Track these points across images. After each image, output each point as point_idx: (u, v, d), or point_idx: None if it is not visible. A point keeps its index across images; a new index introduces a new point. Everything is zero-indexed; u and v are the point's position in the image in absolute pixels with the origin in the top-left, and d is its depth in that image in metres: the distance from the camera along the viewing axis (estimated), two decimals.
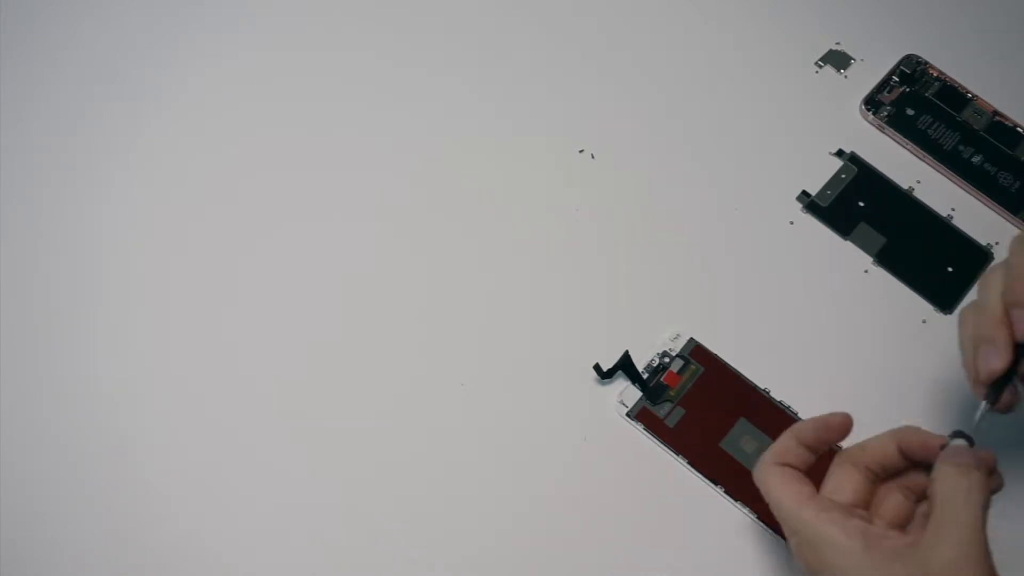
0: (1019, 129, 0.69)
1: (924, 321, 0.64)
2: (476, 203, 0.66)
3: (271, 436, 0.59)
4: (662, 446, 0.59)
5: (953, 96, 0.70)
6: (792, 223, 0.66)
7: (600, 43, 0.71)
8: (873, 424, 0.52)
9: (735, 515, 0.58)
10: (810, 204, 0.66)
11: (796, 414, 0.60)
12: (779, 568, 0.57)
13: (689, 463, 0.58)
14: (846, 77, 0.71)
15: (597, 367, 0.60)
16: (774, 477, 0.50)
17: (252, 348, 0.61)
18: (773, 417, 0.60)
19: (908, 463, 0.50)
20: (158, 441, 0.59)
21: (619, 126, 0.69)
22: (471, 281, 0.64)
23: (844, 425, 0.51)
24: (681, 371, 0.60)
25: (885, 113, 0.69)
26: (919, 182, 0.68)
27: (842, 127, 0.69)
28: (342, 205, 0.66)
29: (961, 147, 0.68)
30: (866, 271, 0.65)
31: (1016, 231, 0.66)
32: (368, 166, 0.67)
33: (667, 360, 0.61)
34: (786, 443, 0.51)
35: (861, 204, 0.67)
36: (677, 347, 0.61)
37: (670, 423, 0.59)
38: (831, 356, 0.62)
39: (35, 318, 0.62)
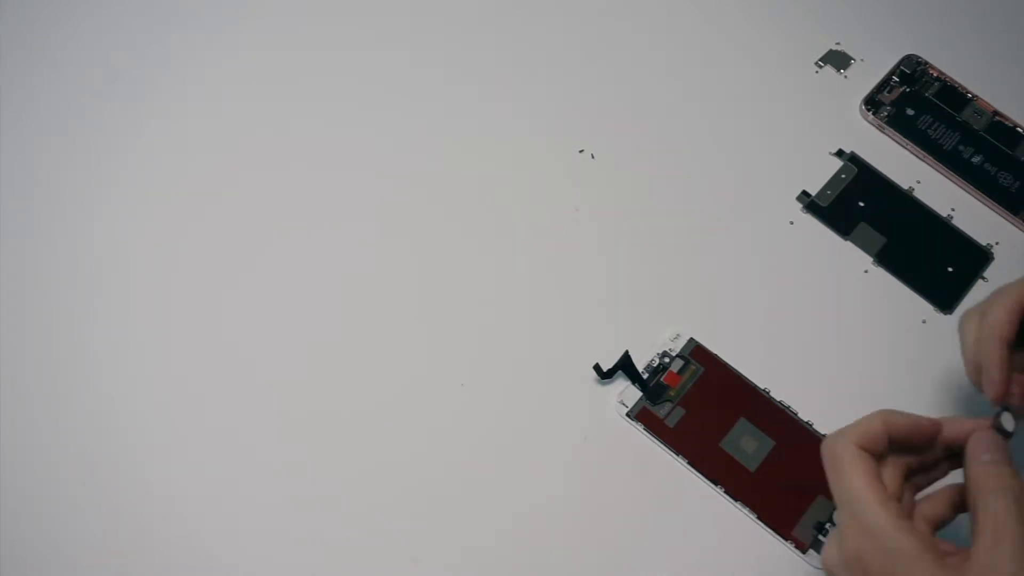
0: (1019, 129, 0.69)
1: (924, 321, 0.64)
2: (476, 203, 0.66)
3: (270, 436, 0.59)
4: (662, 446, 0.59)
5: (953, 96, 0.70)
6: (792, 223, 0.66)
7: (600, 43, 0.71)
8: None
9: (735, 515, 0.58)
10: (810, 204, 0.66)
11: (796, 414, 0.60)
12: (778, 569, 0.57)
13: (689, 463, 0.58)
14: (846, 77, 0.71)
15: (597, 367, 0.60)
16: (857, 463, 0.46)
17: (252, 348, 0.61)
18: (773, 417, 0.59)
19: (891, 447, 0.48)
20: (157, 441, 0.59)
21: (619, 126, 0.69)
22: (471, 281, 0.64)
23: (931, 434, 0.48)
24: (681, 371, 0.60)
25: (885, 113, 0.69)
26: (919, 182, 0.68)
27: (842, 127, 0.69)
28: (342, 205, 0.65)
29: (961, 147, 0.68)
30: (866, 271, 0.65)
31: (1017, 231, 0.66)
32: (368, 166, 0.67)
33: (667, 360, 0.61)
34: (873, 427, 0.47)
35: (861, 204, 0.67)
36: (677, 347, 0.61)
37: (670, 423, 0.59)
38: (831, 356, 0.62)
39: (34, 319, 0.61)
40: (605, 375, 0.60)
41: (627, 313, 0.63)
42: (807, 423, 0.59)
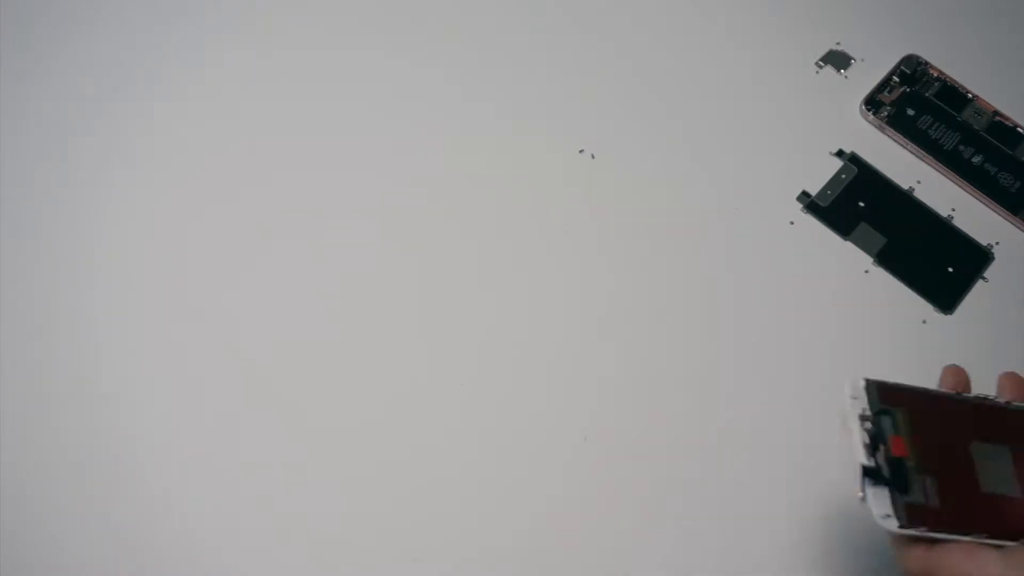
0: (1019, 129, 0.69)
1: (924, 321, 0.64)
2: (475, 202, 0.66)
3: (270, 436, 0.59)
4: (950, 537, 0.43)
5: (953, 96, 0.70)
6: (792, 223, 0.66)
7: (600, 43, 0.71)
8: None
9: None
10: (810, 204, 0.66)
11: (996, 399, 0.49)
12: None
13: (988, 535, 0.44)
14: (846, 77, 0.71)
15: (862, 496, 0.44)
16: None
17: (252, 348, 0.61)
18: (988, 417, 0.47)
19: None
20: (157, 442, 0.59)
21: (619, 126, 0.69)
22: (471, 280, 0.64)
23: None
24: (896, 429, 0.45)
25: (885, 113, 0.69)
26: (919, 182, 0.68)
27: (842, 127, 0.69)
28: (342, 206, 0.65)
29: (961, 147, 0.68)
30: (866, 271, 0.65)
31: (1017, 231, 0.66)
32: (367, 167, 0.67)
33: (869, 424, 0.45)
34: None
35: (861, 204, 0.67)
36: (861, 396, 0.45)
37: (933, 503, 0.44)
38: (831, 356, 0.62)
39: (32, 319, 0.61)
40: (864, 497, 0.43)
41: (627, 313, 0.63)
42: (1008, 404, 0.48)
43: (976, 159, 0.68)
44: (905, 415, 0.45)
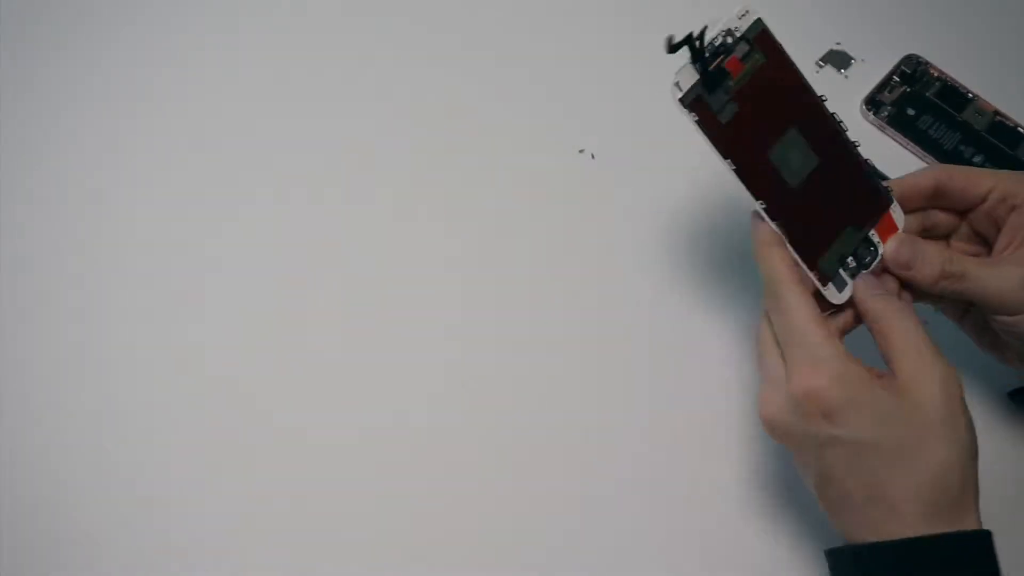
0: (1020, 129, 0.69)
1: (925, 322, 0.63)
2: (476, 203, 0.66)
3: (270, 436, 0.59)
4: (710, 144, 0.50)
5: (954, 96, 0.70)
6: None
7: (600, 43, 0.71)
8: None
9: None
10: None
11: (847, 131, 0.54)
12: None
13: (736, 169, 0.50)
14: (846, 77, 0.71)
15: (669, 39, 0.49)
16: (804, 301, 0.49)
17: (252, 347, 0.61)
18: (822, 131, 0.53)
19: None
20: (157, 442, 0.59)
21: (619, 126, 0.69)
22: (472, 280, 0.64)
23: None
24: (744, 58, 0.51)
25: (886, 113, 0.69)
26: None
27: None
28: (342, 206, 0.65)
29: (962, 147, 0.68)
30: None
31: None
32: (367, 167, 0.67)
33: (730, 41, 0.51)
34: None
35: None
36: (744, 26, 0.51)
37: (723, 118, 0.50)
38: None
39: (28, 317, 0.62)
40: (673, 47, 0.49)
41: (627, 314, 0.63)
42: (855, 144, 0.54)
43: (977, 159, 0.68)
44: (760, 59, 0.51)
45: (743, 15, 0.51)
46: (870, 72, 0.71)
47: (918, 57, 0.71)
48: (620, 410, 0.60)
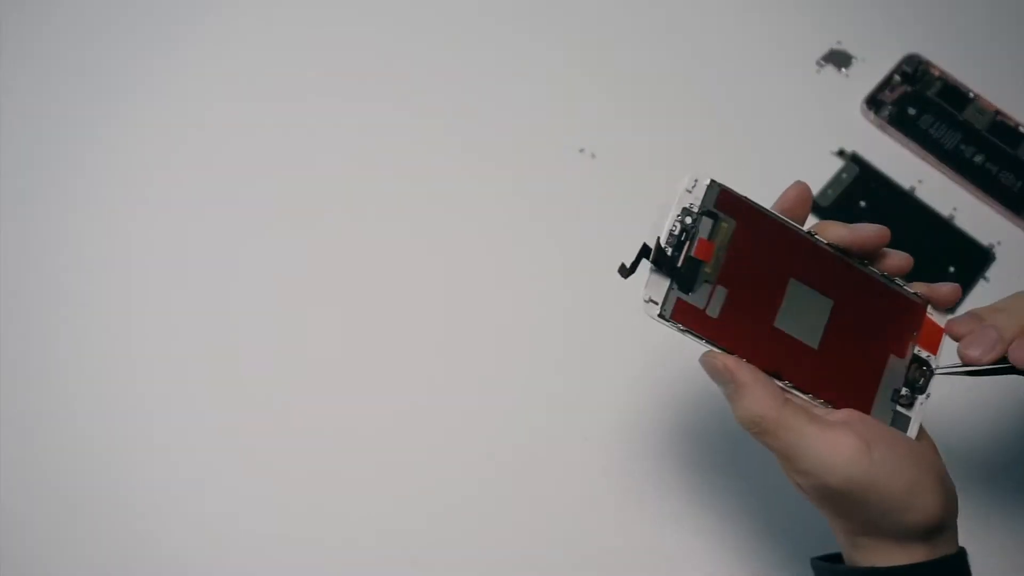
0: (1021, 129, 0.69)
1: None
2: (476, 203, 0.66)
3: (270, 437, 0.59)
4: (706, 345, 0.44)
5: (955, 95, 0.70)
6: None
7: (600, 43, 0.71)
8: None
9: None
10: (812, 204, 0.66)
11: (847, 255, 0.47)
12: None
13: (748, 360, 0.44)
14: (847, 76, 0.71)
15: (621, 267, 0.44)
16: (761, 384, 0.44)
17: (253, 347, 0.61)
18: (826, 266, 0.46)
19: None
20: (157, 443, 0.59)
21: (619, 126, 0.68)
22: (471, 281, 0.64)
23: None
24: (712, 234, 0.44)
25: (886, 112, 0.69)
26: (920, 182, 0.68)
27: (843, 127, 0.69)
28: (342, 207, 0.65)
29: (963, 147, 0.68)
30: None
31: (1018, 231, 0.66)
32: (367, 167, 0.67)
33: (690, 221, 0.44)
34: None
35: (863, 204, 0.67)
36: (699, 197, 0.45)
37: (712, 312, 0.44)
38: None
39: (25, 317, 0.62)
40: (628, 270, 0.44)
41: (627, 315, 0.63)
42: (864, 262, 0.47)
43: (977, 158, 0.68)
44: (730, 227, 0.44)
45: (693, 186, 0.45)
46: (871, 71, 0.71)
47: (919, 56, 0.71)
48: (620, 409, 0.60)
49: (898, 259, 0.48)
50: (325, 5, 0.71)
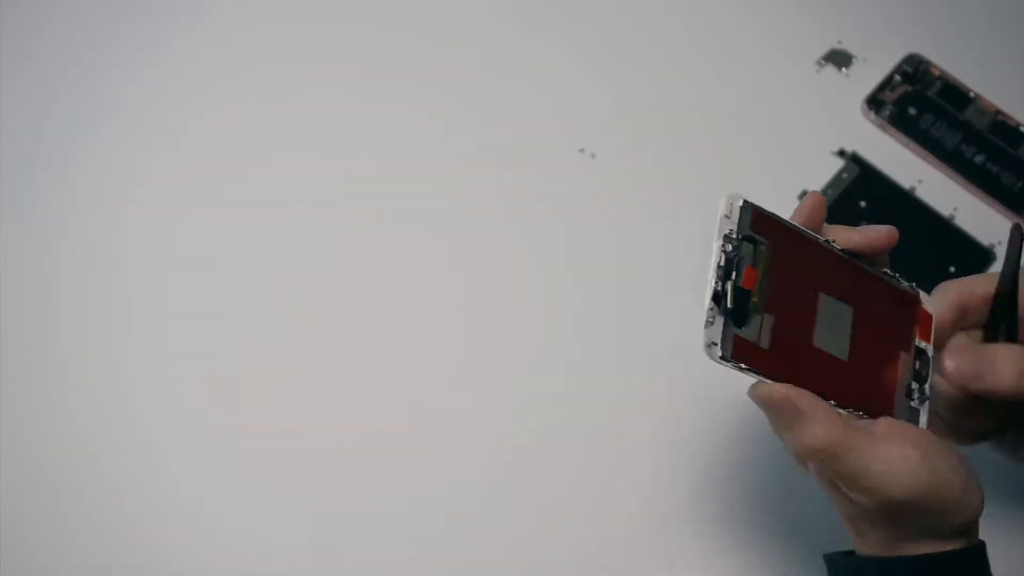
0: (1022, 129, 0.69)
1: None
2: (475, 203, 0.66)
3: (270, 438, 0.59)
4: (761, 378, 0.42)
5: (955, 95, 0.70)
6: None
7: (600, 43, 0.71)
8: None
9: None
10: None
11: (851, 255, 0.46)
12: None
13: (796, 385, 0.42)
14: (848, 76, 0.71)
15: (708, 343, 0.41)
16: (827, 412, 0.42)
17: (253, 348, 0.61)
18: (840, 271, 0.45)
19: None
20: (157, 443, 0.59)
21: (619, 126, 0.68)
22: (472, 280, 0.64)
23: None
24: (756, 260, 0.42)
25: (887, 112, 0.69)
26: (921, 182, 0.68)
27: (844, 126, 0.69)
28: (344, 207, 0.65)
29: (963, 146, 0.68)
30: None
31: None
32: (367, 167, 0.67)
33: (731, 249, 0.42)
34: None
35: (863, 204, 0.67)
36: (735, 221, 0.42)
37: (764, 343, 0.42)
38: None
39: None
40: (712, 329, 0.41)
41: (628, 314, 0.63)
42: (863, 256, 0.47)
43: (978, 158, 0.68)
44: (768, 248, 0.42)
45: (730, 211, 0.42)
46: (871, 71, 0.70)
47: (920, 56, 0.71)
48: (618, 410, 0.60)
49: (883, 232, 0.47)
50: (325, 5, 0.71)
